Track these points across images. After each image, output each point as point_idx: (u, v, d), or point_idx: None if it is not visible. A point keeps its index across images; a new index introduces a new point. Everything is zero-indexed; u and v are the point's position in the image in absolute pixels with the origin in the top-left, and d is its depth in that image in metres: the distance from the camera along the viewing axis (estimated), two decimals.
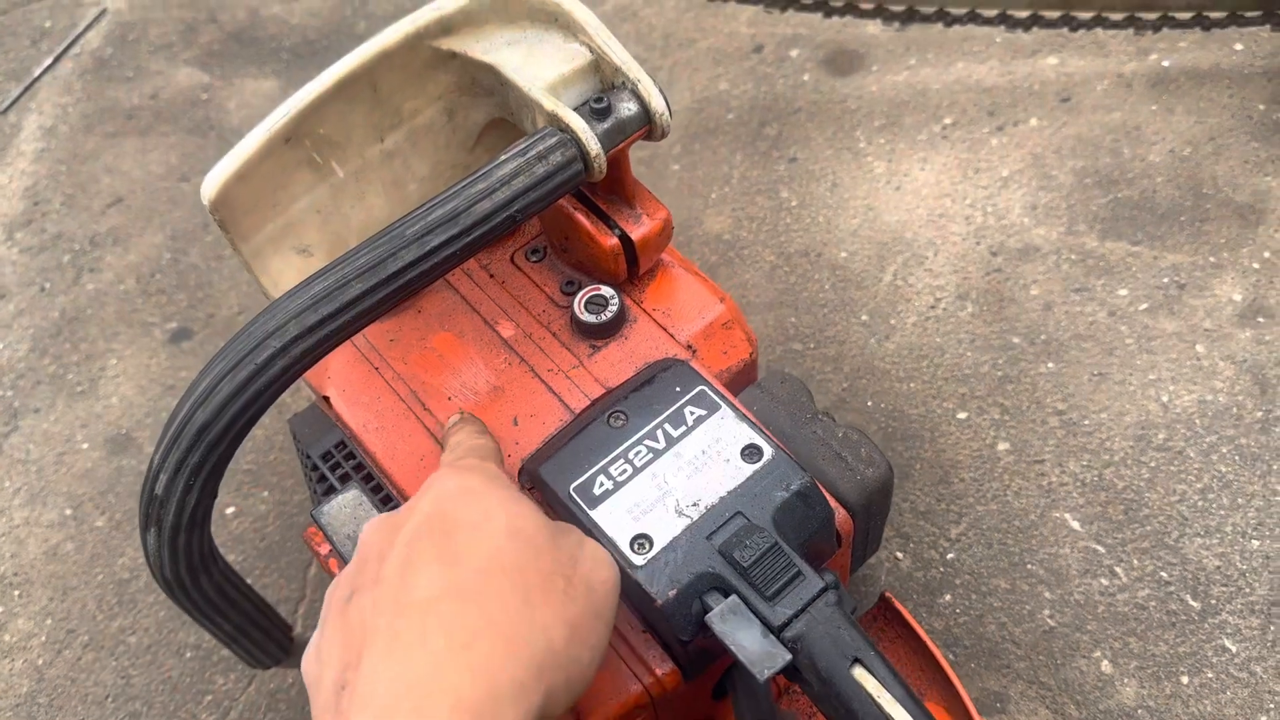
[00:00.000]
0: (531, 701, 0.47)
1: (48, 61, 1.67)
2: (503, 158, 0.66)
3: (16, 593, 1.09)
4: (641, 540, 0.65)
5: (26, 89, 1.64)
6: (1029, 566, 0.94)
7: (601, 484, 0.68)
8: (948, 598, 0.94)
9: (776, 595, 0.60)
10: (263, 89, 1.56)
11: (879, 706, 0.58)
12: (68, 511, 1.14)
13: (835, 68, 1.39)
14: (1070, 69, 1.31)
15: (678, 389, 0.72)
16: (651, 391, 0.72)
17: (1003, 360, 1.07)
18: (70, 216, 1.44)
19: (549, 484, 0.69)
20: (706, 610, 0.61)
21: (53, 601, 1.08)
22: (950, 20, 1.25)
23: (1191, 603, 0.91)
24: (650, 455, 0.69)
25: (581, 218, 0.76)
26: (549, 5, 0.69)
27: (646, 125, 0.69)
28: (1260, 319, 1.05)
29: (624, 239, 0.76)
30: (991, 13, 1.24)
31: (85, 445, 1.19)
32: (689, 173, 1.32)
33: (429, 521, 0.52)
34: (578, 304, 0.78)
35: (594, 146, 0.67)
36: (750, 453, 0.68)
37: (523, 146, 0.66)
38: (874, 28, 1.42)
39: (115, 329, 1.30)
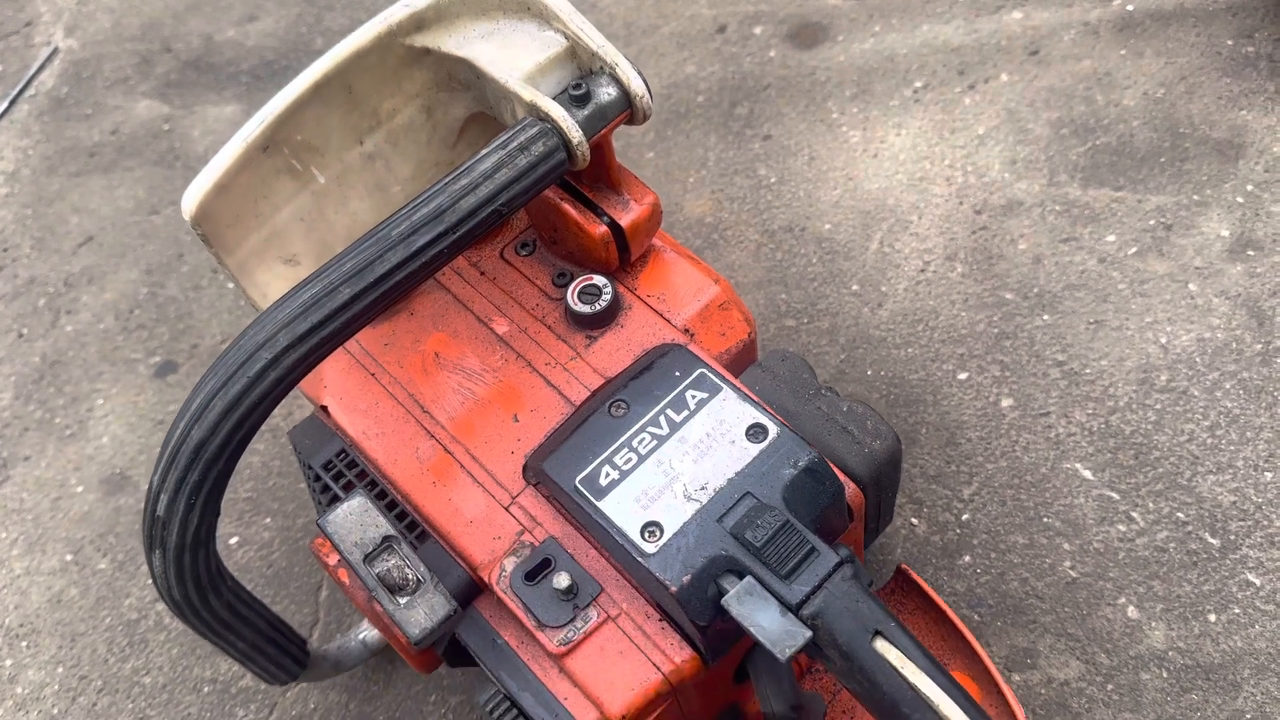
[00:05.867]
0: None
1: (3, 106, 1.65)
2: (484, 152, 0.65)
3: (24, 643, 1.07)
4: (652, 528, 0.64)
5: None
6: (1045, 520, 0.94)
7: (607, 474, 0.67)
8: (967, 559, 0.93)
9: (792, 573, 0.60)
10: (225, 114, 1.54)
11: (903, 677, 0.58)
12: (68, 557, 1.12)
13: (800, 41, 1.38)
14: (1036, 21, 1.31)
15: (677, 373, 0.71)
16: (651, 378, 0.71)
17: (998, 317, 1.07)
18: (41, 260, 1.41)
19: (554, 479, 0.68)
20: (722, 593, 0.61)
21: (62, 649, 1.06)
22: None
23: (1211, 540, 0.90)
24: (654, 442, 0.68)
25: (569, 208, 0.75)
26: None
27: (628, 109, 0.69)
28: (1250, 252, 1.05)
29: (613, 226, 0.75)
30: None
31: (80, 488, 1.17)
32: (664, 159, 1.31)
33: None
34: (571, 295, 0.77)
35: (576, 134, 0.66)
36: (755, 432, 0.67)
37: (504, 139, 0.65)
38: None
39: (99, 369, 1.27)
